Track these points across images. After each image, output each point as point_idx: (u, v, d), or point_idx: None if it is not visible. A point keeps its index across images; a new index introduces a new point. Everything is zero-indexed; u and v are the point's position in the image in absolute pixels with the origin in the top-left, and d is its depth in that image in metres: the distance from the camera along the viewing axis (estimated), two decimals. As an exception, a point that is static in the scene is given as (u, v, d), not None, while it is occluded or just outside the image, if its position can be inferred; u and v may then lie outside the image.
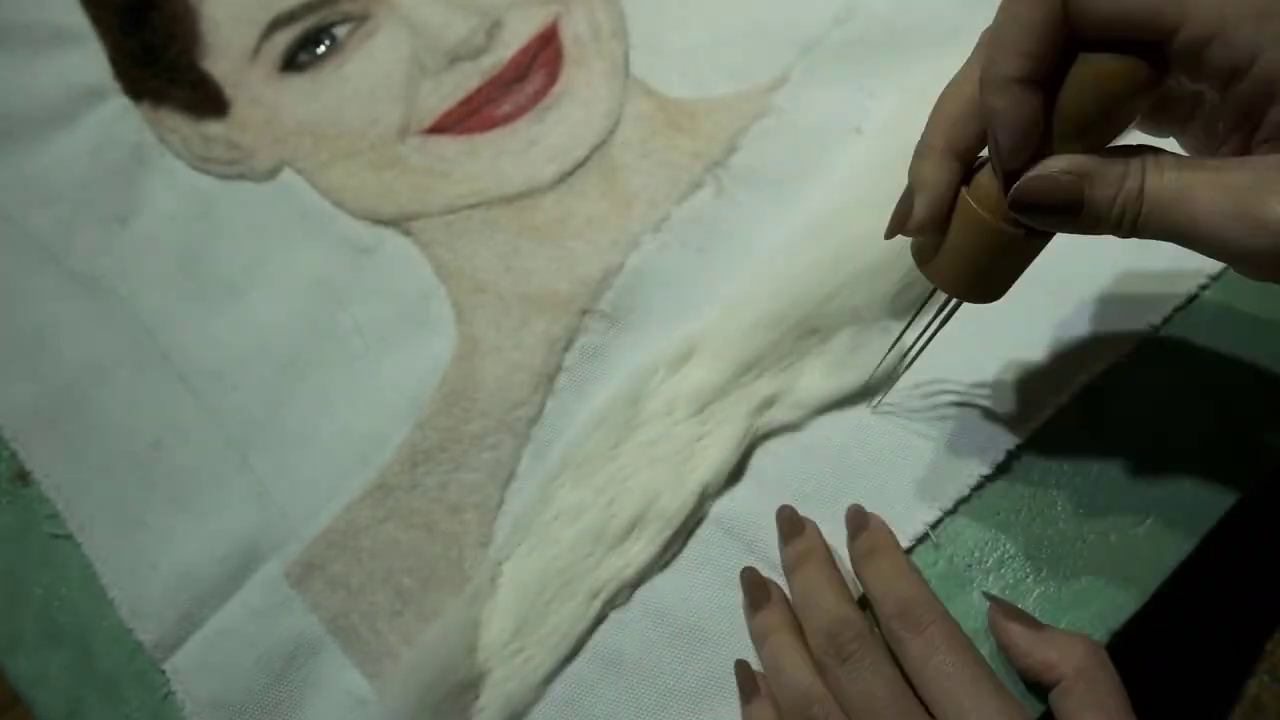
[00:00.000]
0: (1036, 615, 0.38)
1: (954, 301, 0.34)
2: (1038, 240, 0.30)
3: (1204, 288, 0.42)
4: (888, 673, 0.35)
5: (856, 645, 0.35)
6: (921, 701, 0.34)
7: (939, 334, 0.36)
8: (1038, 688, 0.36)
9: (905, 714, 0.34)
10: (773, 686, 0.37)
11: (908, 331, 0.38)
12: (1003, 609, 0.37)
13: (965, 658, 0.34)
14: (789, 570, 0.39)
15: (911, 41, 0.46)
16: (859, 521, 0.39)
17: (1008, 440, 0.40)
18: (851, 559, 0.39)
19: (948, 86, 0.30)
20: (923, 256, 0.32)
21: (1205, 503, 0.39)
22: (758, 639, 0.38)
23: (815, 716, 0.35)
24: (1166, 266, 0.42)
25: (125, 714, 0.42)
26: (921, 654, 0.35)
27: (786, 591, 0.39)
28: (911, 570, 0.38)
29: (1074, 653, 0.35)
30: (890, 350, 0.40)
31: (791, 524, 0.39)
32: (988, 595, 0.38)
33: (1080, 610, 0.38)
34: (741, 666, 0.38)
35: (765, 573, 0.40)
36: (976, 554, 0.40)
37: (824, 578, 0.38)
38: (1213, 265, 0.42)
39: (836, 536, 0.40)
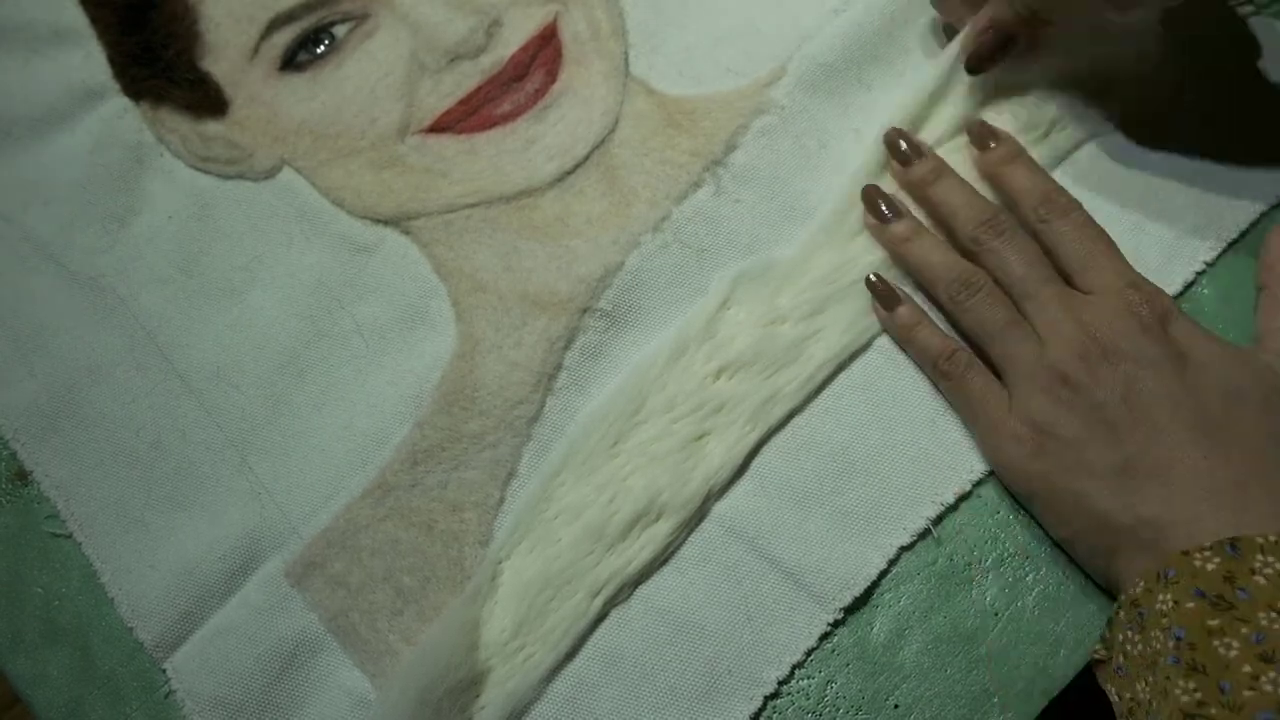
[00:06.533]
0: (1035, 613, 0.38)
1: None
2: None
3: (1200, 274, 0.42)
4: (1033, 245, 0.40)
5: (1008, 223, 0.40)
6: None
7: None
8: None
9: (1049, 275, 0.39)
10: (925, 281, 0.42)
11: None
12: None
13: (1103, 235, 0.40)
14: (924, 187, 0.43)
15: (911, 31, 0.46)
16: (987, 133, 0.43)
17: (1008, 437, 0.40)
18: (984, 172, 0.43)
19: None
20: None
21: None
22: (897, 244, 0.42)
23: (971, 279, 0.40)
24: (1165, 255, 0.42)
25: (125, 714, 0.42)
26: (1067, 230, 0.40)
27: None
28: (1039, 167, 0.42)
29: None
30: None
31: (912, 146, 0.43)
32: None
33: (1080, 608, 0.38)
34: (874, 281, 0.42)
35: (760, 571, 0.40)
36: (976, 552, 0.40)
37: (960, 183, 0.42)
38: (1209, 253, 0.42)
39: (841, 532, 0.40)
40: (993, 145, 0.42)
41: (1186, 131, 0.43)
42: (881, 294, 0.42)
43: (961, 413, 0.41)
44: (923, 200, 0.43)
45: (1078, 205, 0.41)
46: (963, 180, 0.42)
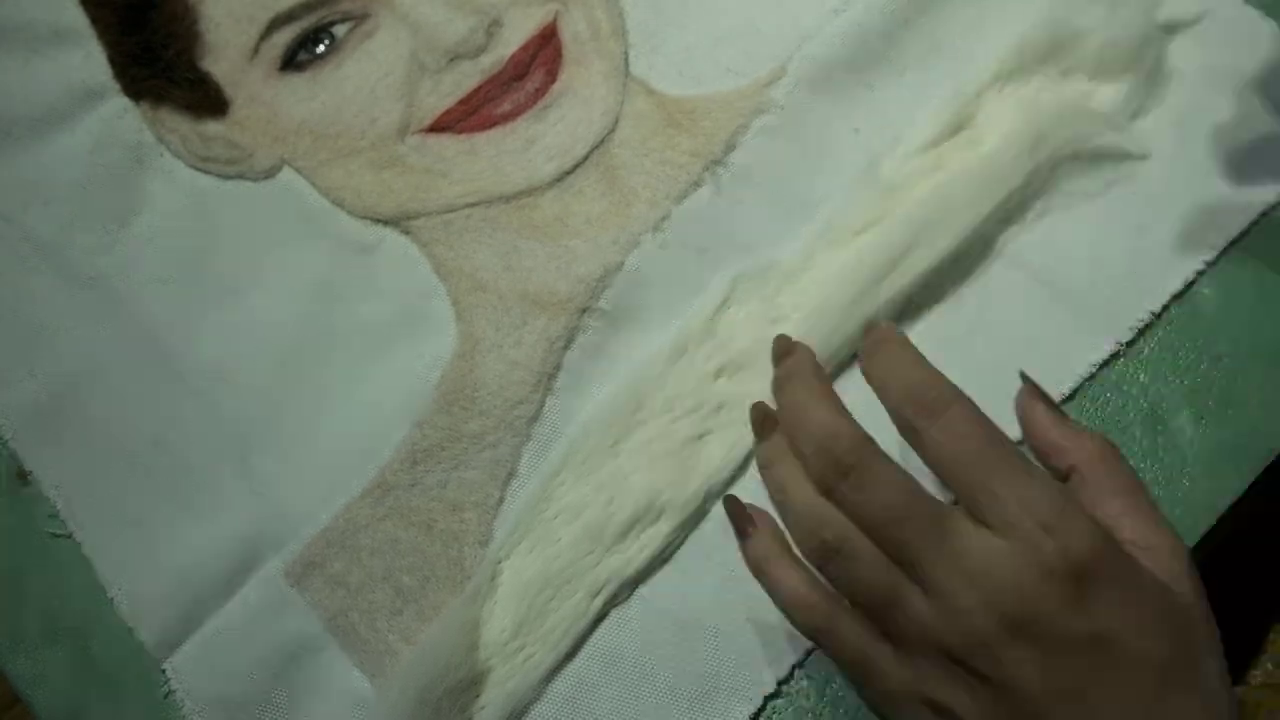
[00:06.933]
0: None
1: None
2: None
3: (1201, 273, 0.42)
4: (895, 476, 0.31)
5: (854, 456, 0.31)
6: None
7: None
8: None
9: (927, 516, 0.30)
10: (783, 520, 0.34)
11: None
12: (1034, 389, 0.34)
13: (992, 438, 0.31)
14: (776, 394, 0.35)
15: (911, 31, 0.46)
16: (872, 335, 0.34)
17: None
18: (860, 363, 0.34)
19: None
20: None
21: (1205, 499, 0.39)
22: (763, 468, 0.35)
23: (828, 540, 0.31)
24: (1166, 255, 0.42)
25: (125, 714, 0.42)
26: (941, 440, 0.31)
27: None
28: (919, 355, 0.32)
29: (1087, 443, 0.33)
30: None
31: (781, 347, 0.36)
32: (1024, 375, 0.35)
33: (1081, 607, 0.38)
34: (730, 500, 0.37)
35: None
36: (977, 551, 0.39)
37: (808, 391, 0.34)
38: (1209, 253, 0.42)
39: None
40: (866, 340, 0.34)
41: (1186, 131, 0.43)
42: (733, 516, 0.37)
43: (841, 669, 0.34)
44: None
45: (958, 398, 0.31)
46: (816, 383, 0.34)
